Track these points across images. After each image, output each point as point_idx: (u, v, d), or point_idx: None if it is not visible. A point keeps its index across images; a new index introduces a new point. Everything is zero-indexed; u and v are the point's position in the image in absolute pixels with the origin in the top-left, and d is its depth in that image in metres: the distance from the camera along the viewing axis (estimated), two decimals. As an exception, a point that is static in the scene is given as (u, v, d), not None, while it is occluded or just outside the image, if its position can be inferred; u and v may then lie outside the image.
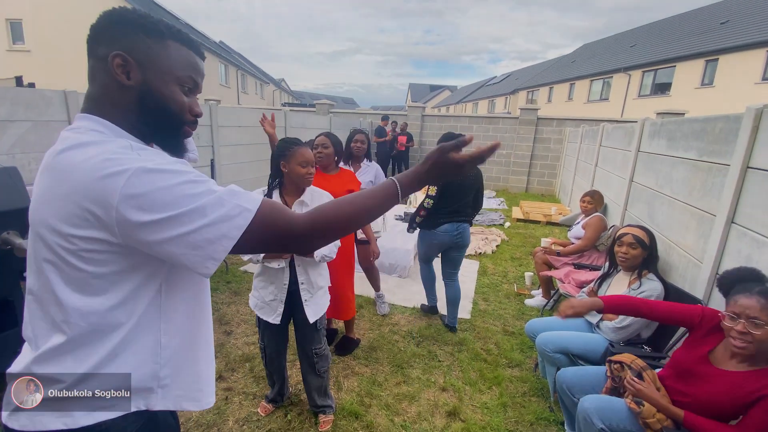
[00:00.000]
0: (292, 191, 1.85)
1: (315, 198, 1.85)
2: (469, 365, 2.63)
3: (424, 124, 11.03)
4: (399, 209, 5.88)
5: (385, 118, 10.49)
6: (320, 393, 2.02)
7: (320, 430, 1.99)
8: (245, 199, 0.69)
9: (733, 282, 1.48)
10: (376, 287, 3.31)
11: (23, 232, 1.92)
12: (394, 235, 4.47)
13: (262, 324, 1.95)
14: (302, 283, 1.84)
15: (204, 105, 5.78)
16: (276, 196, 1.84)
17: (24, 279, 3.05)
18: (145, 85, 0.73)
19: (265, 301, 1.87)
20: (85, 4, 13.96)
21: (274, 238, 0.72)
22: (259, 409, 2.11)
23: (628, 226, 2.31)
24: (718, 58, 13.79)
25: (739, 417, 1.36)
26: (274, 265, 1.79)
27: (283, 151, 1.77)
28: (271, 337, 1.97)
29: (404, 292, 3.75)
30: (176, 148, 0.81)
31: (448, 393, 2.35)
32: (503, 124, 10.45)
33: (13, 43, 14.72)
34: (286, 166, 1.78)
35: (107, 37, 0.72)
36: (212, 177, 5.49)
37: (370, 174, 3.02)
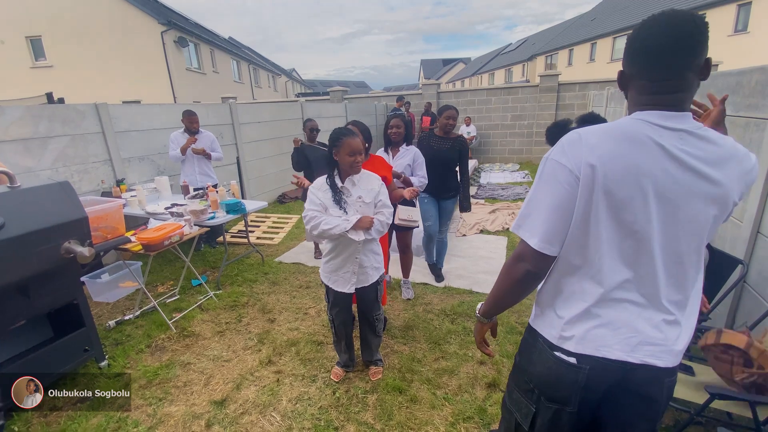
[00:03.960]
0: (342, 175, 2.06)
1: (363, 179, 2.08)
2: (505, 338, 2.68)
3: (440, 101, 10.84)
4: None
5: (399, 99, 10.39)
6: (376, 349, 2.42)
7: (372, 378, 2.34)
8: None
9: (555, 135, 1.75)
10: (406, 274, 3.39)
11: (83, 241, 2.08)
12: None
13: (333, 296, 2.20)
14: (362, 258, 2.11)
15: (223, 103, 5.92)
16: (337, 181, 2.05)
17: (84, 283, 3.30)
18: None
19: (338, 274, 2.13)
20: (100, 16, 14.32)
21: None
22: (332, 375, 2.36)
23: None
24: (751, 2, 12.79)
25: None
26: (355, 237, 1.99)
27: (334, 142, 1.98)
28: (343, 307, 2.21)
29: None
30: None
31: (486, 366, 2.42)
32: (522, 93, 10.15)
33: (36, 60, 15.30)
34: (337, 156, 2.00)
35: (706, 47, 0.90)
36: (239, 174, 5.66)
37: (407, 158, 2.99)
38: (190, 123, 4.23)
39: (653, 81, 0.92)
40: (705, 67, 0.91)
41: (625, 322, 0.98)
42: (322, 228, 1.94)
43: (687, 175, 0.89)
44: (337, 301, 2.19)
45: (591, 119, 1.96)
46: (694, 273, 0.98)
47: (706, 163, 0.89)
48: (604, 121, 1.87)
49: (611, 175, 0.90)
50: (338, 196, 2.00)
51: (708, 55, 0.90)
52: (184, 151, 4.19)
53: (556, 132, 1.98)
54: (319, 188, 2.04)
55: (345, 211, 1.99)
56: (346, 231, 1.95)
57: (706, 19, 0.90)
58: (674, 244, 0.94)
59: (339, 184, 2.04)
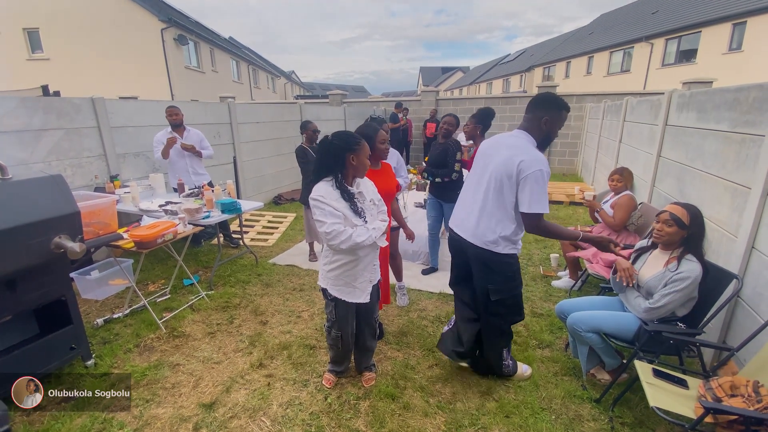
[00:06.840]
0: (349, 179, 1.98)
1: (362, 184, 2.03)
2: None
3: (439, 108, 10.91)
4: (419, 196, 5.89)
5: (398, 105, 10.43)
6: (372, 354, 2.39)
7: (366, 385, 2.30)
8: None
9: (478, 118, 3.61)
10: (399, 277, 3.36)
11: (74, 236, 2.04)
12: (415, 222, 4.50)
13: (342, 310, 2.09)
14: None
15: (222, 103, 5.88)
16: (352, 187, 2.00)
17: (73, 280, 3.24)
18: (548, 131, 1.99)
19: (355, 285, 2.04)
20: (99, 10, 14.24)
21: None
22: (323, 381, 2.31)
23: (674, 203, 2.15)
24: (746, 21, 13.03)
25: None
26: (381, 243, 1.98)
27: (351, 145, 1.89)
28: (350, 319, 2.14)
29: (429, 278, 3.80)
30: (544, 150, 2.07)
31: (480, 374, 2.40)
32: (520, 103, 10.22)
33: (33, 52, 15.14)
34: (355, 159, 1.90)
35: (543, 108, 1.96)
36: (235, 174, 5.62)
37: (392, 160, 3.07)
38: (170, 116, 4.06)
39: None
40: (544, 123, 1.96)
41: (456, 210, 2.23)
42: (354, 241, 1.83)
43: (498, 151, 1.99)
44: (345, 314, 2.10)
45: (486, 112, 3.70)
46: (491, 197, 1.97)
47: (506, 147, 1.96)
48: (493, 112, 3.75)
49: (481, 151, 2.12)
50: (355, 205, 1.91)
51: (547, 117, 1.94)
52: (165, 153, 4.03)
53: (481, 116, 3.68)
54: (329, 197, 1.86)
55: (364, 218, 1.93)
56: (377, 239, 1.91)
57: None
58: (481, 181, 2.03)
59: (354, 190, 1.95)
